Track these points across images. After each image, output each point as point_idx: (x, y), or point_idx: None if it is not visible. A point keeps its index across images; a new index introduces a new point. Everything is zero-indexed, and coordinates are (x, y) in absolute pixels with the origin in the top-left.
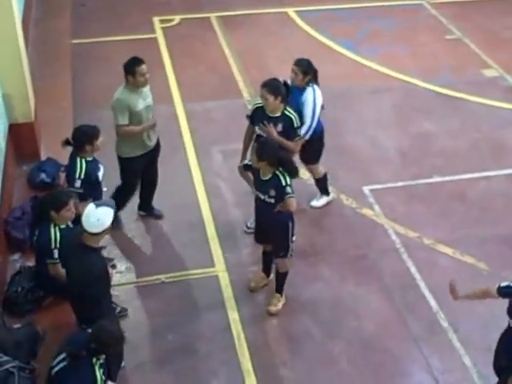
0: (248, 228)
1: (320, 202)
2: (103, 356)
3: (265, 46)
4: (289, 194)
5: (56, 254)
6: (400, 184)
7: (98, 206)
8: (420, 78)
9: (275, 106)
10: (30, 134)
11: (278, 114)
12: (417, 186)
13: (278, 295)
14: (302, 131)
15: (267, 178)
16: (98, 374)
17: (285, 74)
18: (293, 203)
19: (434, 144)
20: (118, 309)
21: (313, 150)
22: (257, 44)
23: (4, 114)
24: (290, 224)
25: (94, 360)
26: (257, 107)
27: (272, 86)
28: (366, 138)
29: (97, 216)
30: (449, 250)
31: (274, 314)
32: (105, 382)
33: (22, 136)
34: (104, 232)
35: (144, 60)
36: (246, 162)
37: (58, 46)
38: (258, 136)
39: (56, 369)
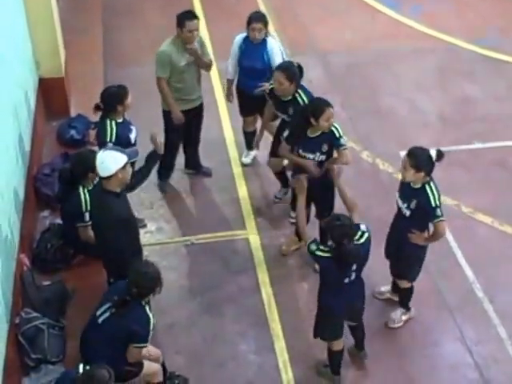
0: (276, 198)
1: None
2: (148, 297)
3: (301, 3)
4: (344, 145)
5: (87, 216)
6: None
7: (105, 150)
8: (464, 38)
9: (289, 91)
10: (59, 89)
11: (289, 98)
12: (457, 152)
13: None
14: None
15: (317, 134)
16: (150, 313)
17: (322, 32)
18: (348, 155)
19: (477, 109)
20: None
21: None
22: (293, 0)
23: (34, 69)
24: None
25: (143, 302)
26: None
27: (290, 71)
28: (404, 101)
29: (101, 159)
30: (488, 219)
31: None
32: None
33: (51, 91)
34: (114, 176)
35: (198, 16)
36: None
37: None
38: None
39: (102, 318)
